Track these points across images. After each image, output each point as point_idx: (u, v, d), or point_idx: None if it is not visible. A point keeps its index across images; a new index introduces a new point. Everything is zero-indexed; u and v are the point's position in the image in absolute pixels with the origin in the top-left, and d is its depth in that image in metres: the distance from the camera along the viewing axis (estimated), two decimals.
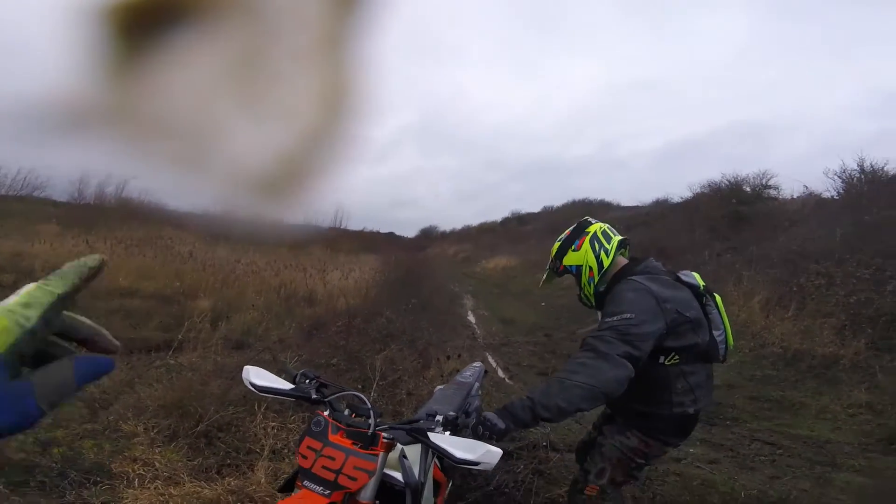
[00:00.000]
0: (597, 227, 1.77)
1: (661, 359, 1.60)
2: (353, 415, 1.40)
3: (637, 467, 1.76)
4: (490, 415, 1.44)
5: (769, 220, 9.94)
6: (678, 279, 1.71)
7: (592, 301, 1.77)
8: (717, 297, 1.74)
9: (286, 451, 2.66)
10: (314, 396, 1.44)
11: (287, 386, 1.47)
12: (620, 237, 1.78)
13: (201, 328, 4.70)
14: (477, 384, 2.25)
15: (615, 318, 1.54)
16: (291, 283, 7.89)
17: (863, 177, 8.97)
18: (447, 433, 1.31)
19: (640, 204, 18.73)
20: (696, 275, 1.77)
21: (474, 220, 32.85)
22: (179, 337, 4.07)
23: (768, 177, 11.81)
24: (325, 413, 1.37)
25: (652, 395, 1.64)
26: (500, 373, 5.32)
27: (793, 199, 11.03)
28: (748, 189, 11.76)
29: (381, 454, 1.27)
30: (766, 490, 2.22)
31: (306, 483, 1.26)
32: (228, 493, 2.26)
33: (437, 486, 1.80)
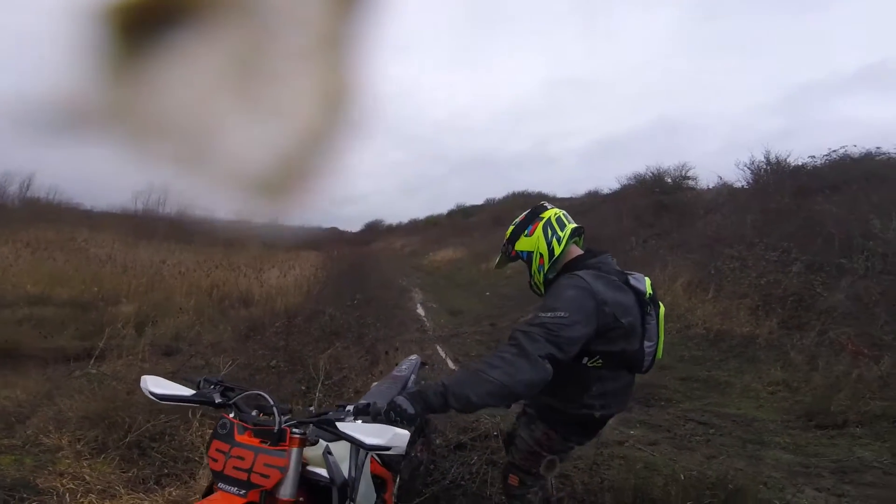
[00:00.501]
0: (552, 212, 1.72)
1: (585, 360, 1.56)
2: (261, 414, 1.40)
3: (550, 461, 1.75)
4: (401, 399, 1.40)
5: (688, 209, 10.63)
6: (627, 282, 1.63)
7: (542, 289, 1.71)
8: (661, 308, 1.70)
9: None
10: (218, 400, 1.41)
11: (188, 392, 1.43)
12: (575, 225, 1.71)
13: (125, 335, 4.43)
14: (413, 376, 2.24)
15: (548, 314, 1.48)
16: (224, 283, 7.46)
17: (769, 168, 9.74)
18: (358, 421, 1.30)
19: (573, 196, 19.49)
20: (648, 281, 1.69)
21: (420, 214, 32.99)
22: (101, 345, 3.78)
23: (687, 168, 12.92)
24: (231, 415, 1.35)
25: (564, 391, 1.60)
26: (451, 364, 5.35)
27: (709, 188, 11.87)
28: (669, 180, 12.73)
29: (294, 450, 1.26)
30: (705, 471, 2.34)
31: (221, 485, 1.25)
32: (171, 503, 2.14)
33: (381, 482, 1.76)
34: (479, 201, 28.96)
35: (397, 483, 2.01)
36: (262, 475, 1.22)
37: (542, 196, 23.94)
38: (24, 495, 2.12)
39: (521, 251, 1.71)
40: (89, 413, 2.65)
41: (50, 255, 7.36)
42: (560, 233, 1.66)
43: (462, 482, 2.44)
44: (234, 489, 1.22)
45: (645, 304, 1.62)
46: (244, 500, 1.20)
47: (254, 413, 1.39)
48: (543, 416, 1.72)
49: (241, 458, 1.24)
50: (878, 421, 3.41)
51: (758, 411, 3.92)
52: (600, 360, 1.56)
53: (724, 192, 10.62)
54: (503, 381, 1.39)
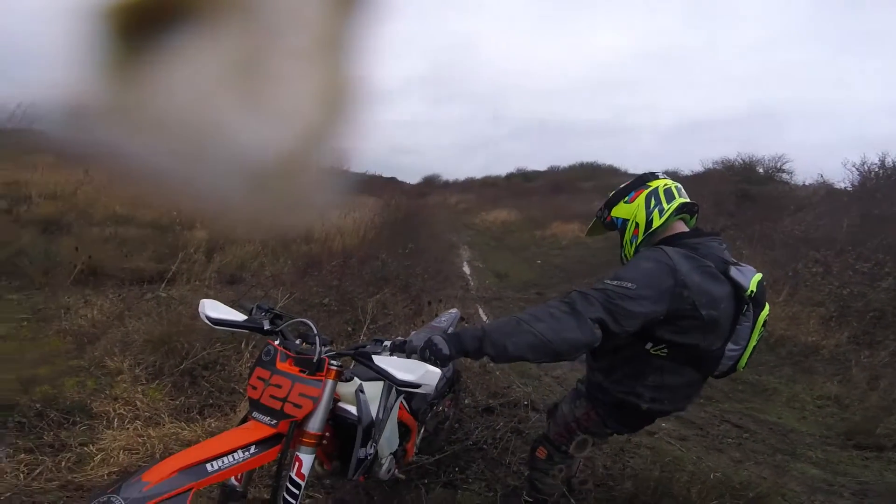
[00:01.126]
0: (661, 182, 1.55)
1: (649, 345, 1.43)
2: (304, 343, 1.41)
3: (581, 441, 1.69)
4: (437, 339, 1.34)
5: (776, 203, 9.86)
6: (726, 272, 1.42)
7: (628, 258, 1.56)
8: (766, 310, 1.48)
9: None
10: (267, 327, 1.43)
11: (241, 318, 1.46)
12: (686, 200, 1.53)
13: (195, 260, 4.61)
14: (451, 329, 2.24)
15: (615, 282, 1.36)
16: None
17: (881, 172, 8.87)
18: (394, 357, 1.32)
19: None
20: (757, 277, 1.46)
21: (476, 174, 32.65)
22: (173, 269, 4.01)
23: (783, 161, 11.96)
24: (276, 342, 1.37)
25: (619, 372, 1.52)
26: None
27: (804, 185, 10.96)
28: (761, 170, 11.94)
29: (328, 381, 1.28)
30: (730, 475, 2.30)
31: (255, 415, 1.27)
32: (208, 435, 2.23)
33: (406, 430, 1.83)
34: (542, 167, 28.20)
35: (420, 434, 2.08)
36: (296, 405, 1.23)
37: (612, 169, 22.89)
38: (77, 418, 2.28)
39: (617, 218, 1.57)
40: (153, 337, 2.82)
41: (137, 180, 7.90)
42: (665, 205, 1.50)
43: (484, 446, 2.49)
44: (267, 419, 1.24)
45: (743, 301, 1.42)
46: (273, 431, 1.23)
47: (297, 342, 1.41)
48: (591, 393, 1.65)
49: (279, 387, 1.25)
50: None
51: (798, 423, 3.74)
52: (665, 350, 1.42)
53: (822, 191, 9.76)
54: (546, 337, 1.29)
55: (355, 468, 1.48)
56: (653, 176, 1.58)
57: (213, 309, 1.47)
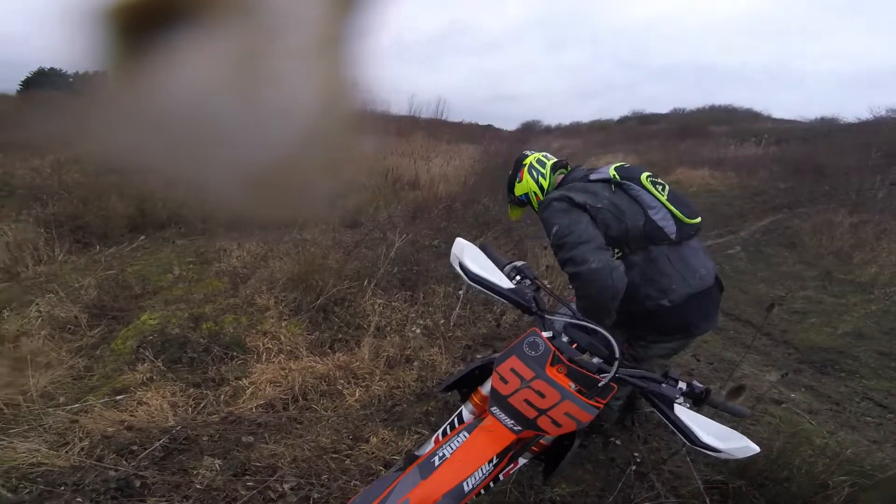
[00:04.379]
0: (532, 157, 1.96)
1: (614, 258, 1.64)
2: (574, 344, 1.13)
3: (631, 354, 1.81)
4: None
5: None
6: (588, 178, 1.78)
7: None
8: (643, 177, 1.71)
9: (388, 328, 2.95)
10: (534, 308, 1.17)
11: (504, 282, 1.19)
12: (554, 160, 1.94)
13: (320, 206, 5.08)
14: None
15: (554, 239, 1.62)
16: (397, 167, 8.17)
17: None
18: (692, 409, 1.06)
19: (799, 119, 15.71)
20: (612, 166, 1.78)
21: (587, 119, 30.28)
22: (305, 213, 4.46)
23: None
24: (545, 335, 1.11)
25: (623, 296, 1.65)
26: None
27: None
28: None
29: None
30: (862, 454, 2.06)
31: (495, 410, 1.05)
32: (337, 369, 2.49)
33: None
34: (665, 110, 25.35)
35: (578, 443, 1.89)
36: (555, 422, 1.01)
37: (751, 114, 20.35)
38: (235, 353, 2.56)
39: (520, 195, 1.96)
40: (292, 275, 3.15)
41: None
42: (542, 170, 1.91)
43: None
44: (511, 423, 1.04)
45: (615, 184, 1.72)
46: (514, 438, 1.04)
47: (564, 339, 1.13)
48: (622, 323, 1.75)
49: (541, 395, 1.02)
50: None
51: None
52: (619, 251, 1.65)
53: None
54: (600, 302, 1.51)
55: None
56: (524, 156, 1.99)
57: (472, 258, 1.21)
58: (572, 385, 1.03)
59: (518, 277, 1.28)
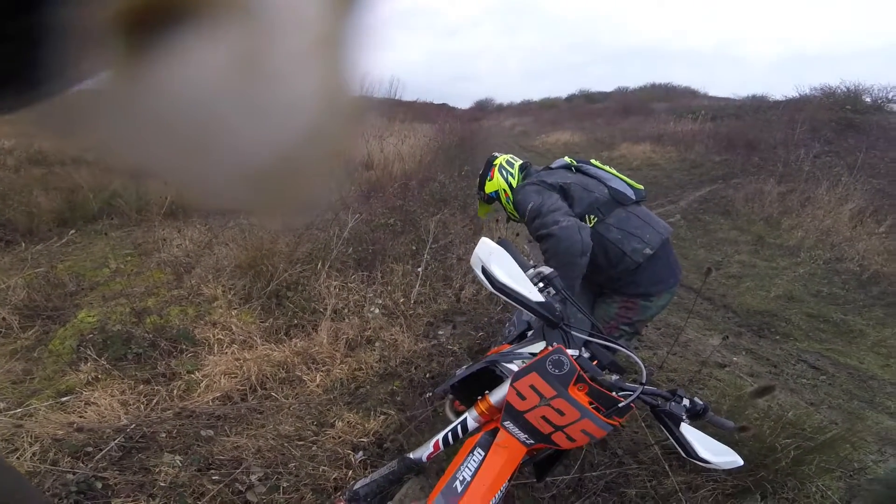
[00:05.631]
0: (501, 158, 2.12)
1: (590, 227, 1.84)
2: (595, 361, 1.10)
3: (624, 334, 1.95)
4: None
5: (886, 133, 8.89)
6: (549, 168, 2.06)
7: (516, 215, 2.02)
8: (592, 161, 2.03)
9: (346, 310, 2.88)
10: (562, 325, 1.12)
11: (533, 294, 1.11)
12: (521, 162, 2.11)
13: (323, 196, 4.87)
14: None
15: (530, 214, 1.80)
16: (349, 148, 7.88)
17: None
18: (695, 429, 1.08)
19: (732, 96, 16.79)
20: (567, 158, 2.08)
21: (537, 97, 30.79)
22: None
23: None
24: (572, 354, 1.05)
25: (607, 258, 1.83)
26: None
27: None
28: (868, 99, 10.83)
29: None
30: (803, 417, 2.23)
31: (508, 425, 1.04)
32: (295, 355, 2.43)
33: None
34: (609, 89, 26.19)
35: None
36: (570, 438, 1.00)
37: (688, 91, 21.58)
38: (184, 346, 2.47)
39: (490, 192, 2.09)
40: (240, 262, 3.02)
41: None
42: (511, 170, 2.07)
43: None
44: (524, 436, 1.03)
45: (574, 168, 2.00)
46: (526, 451, 1.04)
47: (586, 354, 1.10)
48: (614, 288, 1.93)
49: (561, 413, 0.99)
50: None
51: (881, 370, 3.49)
52: (594, 217, 1.84)
53: None
54: (570, 255, 1.66)
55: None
56: (493, 157, 2.15)
57: (500, 264, 1.11)
58: (597, 408, 1.00)
59: (541, 285, 1.21)
